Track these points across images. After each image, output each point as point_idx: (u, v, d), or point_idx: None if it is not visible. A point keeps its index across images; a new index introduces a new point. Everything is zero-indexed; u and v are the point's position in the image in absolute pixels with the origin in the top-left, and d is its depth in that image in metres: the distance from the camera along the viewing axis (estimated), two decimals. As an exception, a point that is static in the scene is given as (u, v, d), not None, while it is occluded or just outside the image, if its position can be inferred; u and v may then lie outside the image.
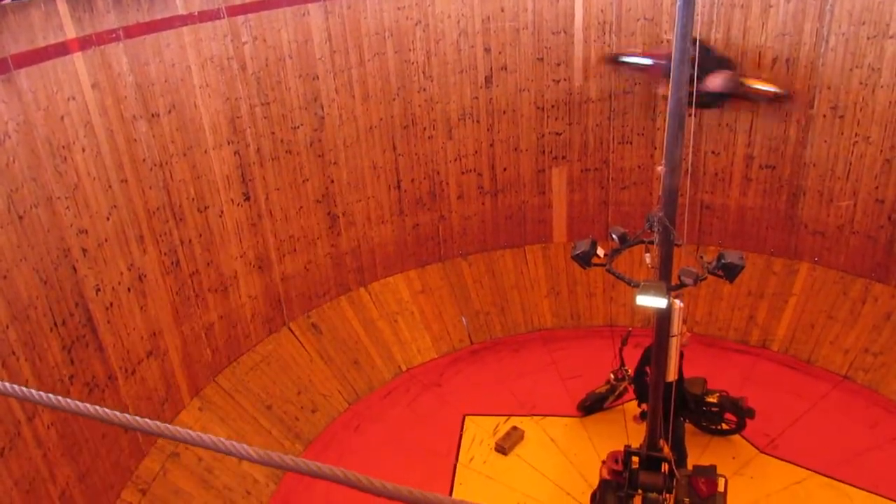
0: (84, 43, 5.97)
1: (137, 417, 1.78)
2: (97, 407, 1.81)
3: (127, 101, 6.43)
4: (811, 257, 9.21)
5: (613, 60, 9.13)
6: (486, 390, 8.84)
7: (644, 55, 8.94)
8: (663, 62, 8.36)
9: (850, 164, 8.55)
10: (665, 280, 5.38)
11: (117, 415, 1.80)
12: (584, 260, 5.60)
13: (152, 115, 6.71)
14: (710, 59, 8.21)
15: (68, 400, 1.85)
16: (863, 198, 8.59)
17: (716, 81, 8.05)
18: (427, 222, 9.75)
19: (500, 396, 8.70)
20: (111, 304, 6.39)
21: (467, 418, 8.43)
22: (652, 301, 5.08)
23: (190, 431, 1.62)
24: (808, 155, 8.81)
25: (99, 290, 6.23)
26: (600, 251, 5.66)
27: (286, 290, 8.69)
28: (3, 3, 5.36)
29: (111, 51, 6.22)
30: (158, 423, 1.77)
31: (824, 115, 8.54)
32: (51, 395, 1.87)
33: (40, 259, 5.58)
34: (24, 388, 1.93)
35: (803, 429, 7.89)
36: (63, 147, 5.79)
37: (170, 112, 6.88)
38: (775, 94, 8.46)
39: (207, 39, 7.13)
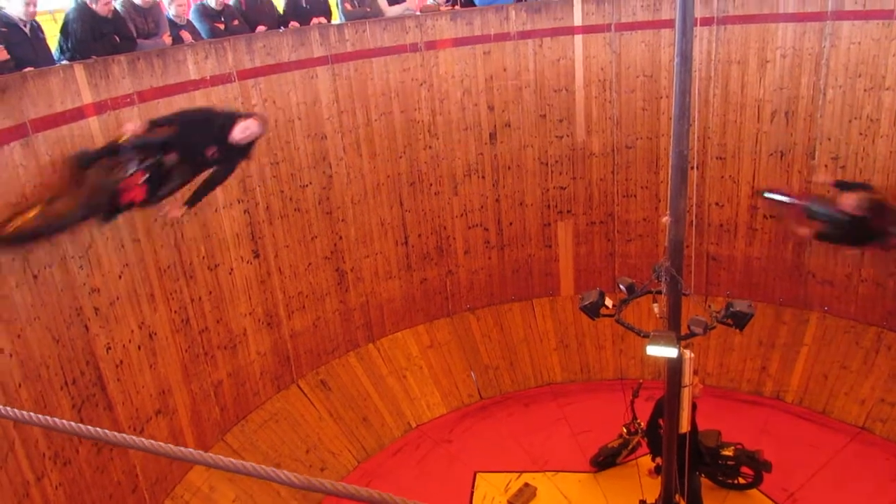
0: (100, 107, 6.15)
1: (171, 446, 1.79)
2: (134, 437, 1.82)
3: (141, 163, 6.58)
4: (820, 306, 9.17)
5: (759, 193, 9.09)
6: (497, 446, 8.71)
7: (789, 195, 8.75)
8: (805, 203, 8.39)
9: (855, 213, 8.60)
10: (674, 330, 5.37)
11: (153, 443, 1.82)
12: (593, 311, 5.61)
13: (165, 176, 6.85)
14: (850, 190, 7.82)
15: (104, 431, 1.87)
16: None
17: (849, 200, 7.55)
18: (434, 277, 9.81)
19: (511, 452, 8.57)
20: (121, 363, 6.40)
21: (478, 475, 8.29)
22: (662, 351, 5.07)
23: (223, 458, 1.64)
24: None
25: (109, 348, 6.25)
26: (608, 302, 5.67)
27: (295, 347, 8.69)
28: (25, 70, 5.58)
29: (125, 114, 6.40)
30: (192, 450, 1.78)
31: (826, 166, 8.65)
32: (91, 427, 1.88)
33: (53, 318, 5.63)
34: (58, 420, 1.95)
35: (823, 482, 7.72)
36: (78, 208, 5.90)
37: (182, 172, 7.02)
38: None
39: (218, 102, 7.33)
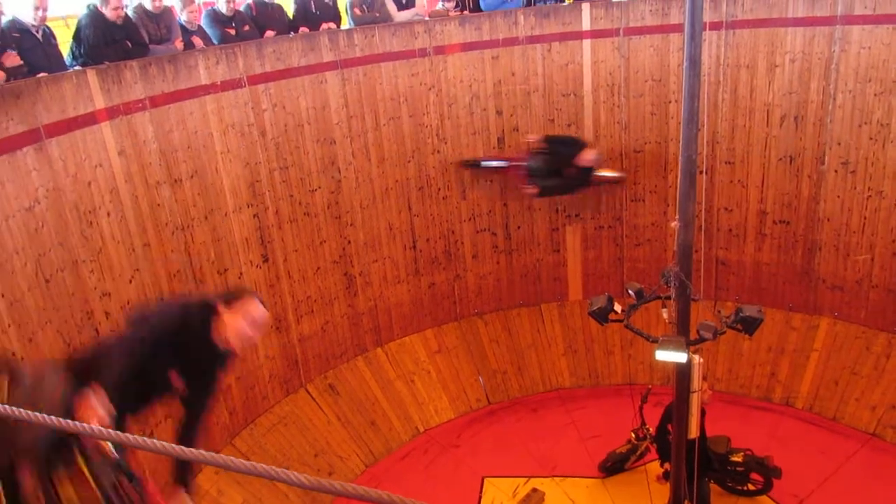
0: (112, 112, 6.21)
1: (181, 447, 1.81)
2: (145, 438, 1.83)
3: (151, 168, 6.64)
4: (831, 312, 9.13)
5: (473, 165, 9.38)
6: (505, 451, 8.70)
7: (501, 158, 9.33)
8: (522, 163, 9.07)
9: (865, 218, 8.57)
10: (683, 335, 5.36)
11: (164, 445, 1.83)
12: (602, 316, 5.62)
13: (175, 181, 6.90)
14: (566, 145, 8.95)
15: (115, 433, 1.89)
16: (880, 251, 8.57)
17: (591, 155, 8.78)
18: (443, 281, 9.81)
19: (519, 457, 8.55)
20: (131, 366, 6.43)
21: (486, 480, 8.28)
22: (671, 356, 5.06)
23: (234, 459, 1.65)
24: (821, 210, 8.84)
25: (120, 352, 6.28)
26: (617, 307, 5.67)
27: (303, 351, 8.71)
28: (38, 76, 5.63)
29: (137, 119, 6.47)
30: (203, 451, 1.80)
31: (836, 171, 8.62)
32: (102, 429, 1.90)
33: (64, 322, 5.67)
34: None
35: (833, 489, 7.66)
36: (89, 212, 5.96)
37: (192, 177, 7.08)
38: (616, 178, 9.31)
39: (229, 107, 7.39)
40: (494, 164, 9.30)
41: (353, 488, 1.53)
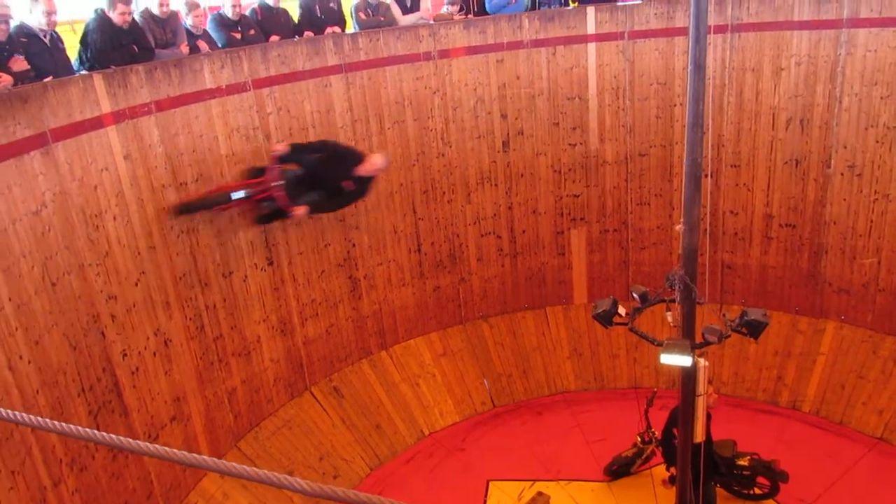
0: (118, 116, 6.24)
1: (185, 452, 1.82)
2: (149, 444, 1.84)
3: (157, 171, 6.66)
4: (837, 316, 9.09)
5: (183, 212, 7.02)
6: (510, 454, 8.69)
7: (236, 187, 7.25)
8: (277, 183, 7.15)
9: (872, 221, 8.54)
10: (689, 338, 5.35)
11: (168, 450, 1.84)
12: (606, 319, 5.60)
13: (180, 184, 6.92)
14: (343, 154, 7.60)
15: (119, 437, 1.90)
16: (887, 255, 8.54)
17: (378, 161, 7.52)
18: (447, 285, 9.81)
19: (524, 461, 8.54)
20: (137, 369, 6.46)
21: (491, 483, 8.27)
22: (676, 359, 5.04)
23: (236, 465, 1.66)
24: (827, 213, 8.81)
25: (125, 355, 6.31)
26: (622, 310, 5.66)
27: (308, 354, 8.72)
28: (45, 80, 5.66)
29: (143, 123, 6.49)
30: (206, 457, 1.81)
31: (842, 174, 8.59)
32: (106, 434, 1.91)
33: (70, 325, 5.69)
34: (79, 428, 1.98)
35: (840, 493, 7.63)
36: (96, 216, 5.98)
37: (197, 181, 7.10)
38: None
39: (234, 111, 7.41)
40: (232, 196, 7.13)
41: (354, 495, 1.53)
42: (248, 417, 8.03)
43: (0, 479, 4.83)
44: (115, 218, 6.19)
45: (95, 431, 2.04)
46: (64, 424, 2.09)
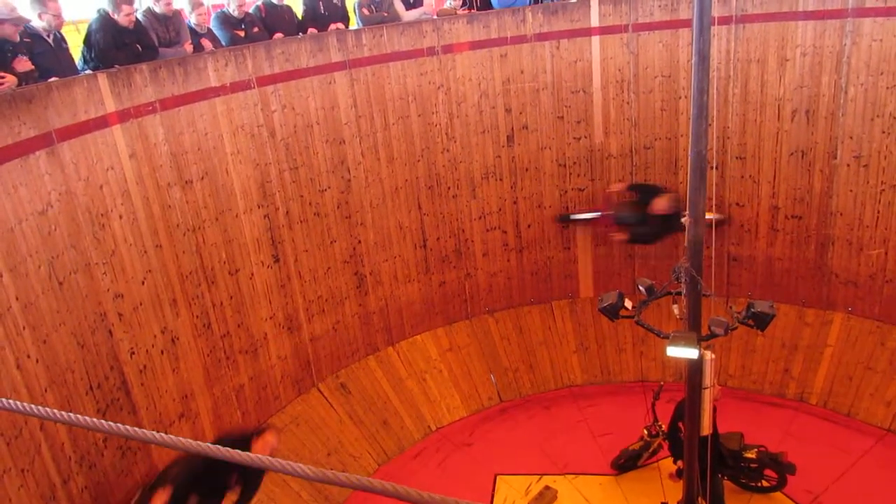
0: (123, 116, 6.25)
1: (191, 440, 1.83)
2: (156, 433, 1.86)
3: (162, 170, 6.68)
4: (844, 307, 9.06)
5: (564, 220, 9.80)
6: (518, 449, 8.70)
7: (592, 210, 9.62)
8: (611, 212, 9.20)
9: (879, 212, 8.50)
10: (695, 331, 5.34)
11: (174, 438, 1.86)
12: (612, 312, 5.60)
13: (186, 183, 6.94)
14: (649, 192, 8.80)
15: (126, 427, 1.91)
16: (893, 245, 8.50)
17: (662, 203, 8.50)
18: (453, 280, 9.82)
19: (531, 455, 8.55)
20: (145, 367, 6.49)
21: (499, 478, 8.28)
22: (682, 352, 5.04)
23: (240, 452, 1.67)
24: (834, 204, 8.77)
25: (133, 353, 6.34)
26: (628, 303, 5.65)
27: (315, 351, 8.74)
28: (50, 80, 5.68)
29: (148, 122, 6.51)
30: (211, 445, 1.82)
31: (848, 165, 8.55)
32: (115, 424, 1.93)
33: (78, 324, 5.72)
34: (93, 419, 1.99)
35: (848, 485, 7.61)
36: (102, 215, 6.00)
37: (202, 179, 7.12)
38: (718, 219, 8.97)
39: (238, 109, 7.42)
40: (585, 216, 9.65)
41: (357, 479, 1.55)
42: (255, 414, 8.06)
43: (10, 477, 4.86)
44: (121, 217, 6.21)
45: (106, 422, 2.05)
46: (79, 416, 2.09)
